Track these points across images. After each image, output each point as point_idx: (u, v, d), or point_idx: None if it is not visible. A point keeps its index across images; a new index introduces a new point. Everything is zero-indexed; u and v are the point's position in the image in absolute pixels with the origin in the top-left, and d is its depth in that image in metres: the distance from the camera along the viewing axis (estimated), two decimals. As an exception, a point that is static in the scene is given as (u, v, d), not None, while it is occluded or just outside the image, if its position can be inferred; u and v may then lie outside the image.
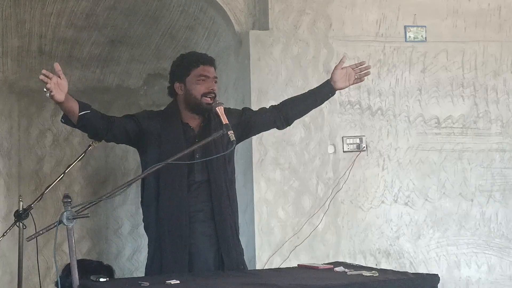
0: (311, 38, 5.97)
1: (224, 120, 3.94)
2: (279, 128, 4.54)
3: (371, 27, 6.14)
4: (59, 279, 3.67)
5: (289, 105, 4.47)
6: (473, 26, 6.32)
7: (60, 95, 3.80)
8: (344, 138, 5.99)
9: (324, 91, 4.47)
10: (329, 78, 4.49)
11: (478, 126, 6.27)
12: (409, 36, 6.20)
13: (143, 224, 4.34)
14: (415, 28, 6.21)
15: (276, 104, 4.54)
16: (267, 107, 4.57)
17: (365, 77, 4.52)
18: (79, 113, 3.99)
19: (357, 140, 6.02)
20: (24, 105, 6.98)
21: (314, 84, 5.86)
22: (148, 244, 4.30)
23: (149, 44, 6.83)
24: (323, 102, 4.56)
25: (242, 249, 4.39)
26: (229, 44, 6.13)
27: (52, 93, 3.75)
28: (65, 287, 3.72)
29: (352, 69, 4.42)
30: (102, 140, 4.31)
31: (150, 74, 7.25)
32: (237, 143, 4.34)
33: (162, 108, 4.49)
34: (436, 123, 6.20)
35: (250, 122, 4.39)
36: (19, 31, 6.33)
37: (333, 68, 5.88)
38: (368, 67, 4.47)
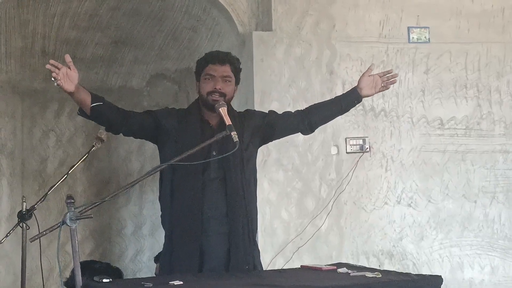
0: (314, 39, 5.97)
1: (227, 121, 3.92)
2: (303, 133, 4.51)
3: (374, 28, 6.14)
4: (61, 276, 3.66)
5: (314, 110, 4.45)
6: (477, 27, 6.32)
7: (69, 85, 3.84)
8: (347, 139, 5.99)
9: (350, 98, 4.42)
10: (355, 85, 4.45)
11: (481, 127, 6.27)
12: (412, 37, 6.20)
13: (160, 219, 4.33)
14: (418, 29, 6.21)
15: (302, 109, 4.52)
16: (292, 111, 4.55)
17: (391, 85, 4.47)
18: (91, 104, 4.01)
19: (360, 141, 6.02)
20: (28, 106, 6.99)
21: (317, 85, 5.88)
22: (164, 239, 4.30)
23: (153, 45, 6.83)
24: (348, 109, 4.49)
25: (257, 251, 4.35)
26: (232, 45, 6.13)
27: (59, 82, 3.77)
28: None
29: (380, 76, 4.40)
30: (119, 133, 4.30)
31: (153, 75, 7.25)
32: (260, 145, 4.37)
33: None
34: (439, 124, 6.20)
35: (274, 125, 4.37)
36: (22, 31, 6.34)
37: (336, 69, 5.92)
38: (395, 75, 4.42)
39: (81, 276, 3.35)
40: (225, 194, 4.15)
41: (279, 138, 4.62)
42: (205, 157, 4.03)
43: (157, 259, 6.29)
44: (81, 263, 3.35)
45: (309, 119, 4.40)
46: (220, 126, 4.09)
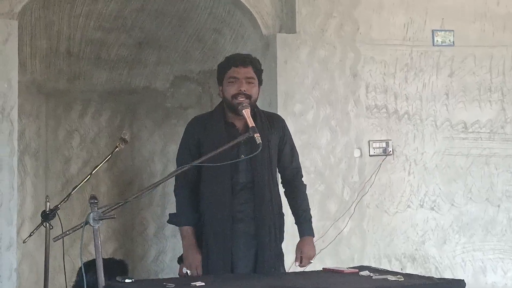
0: (338, 42, 5.97)
1: (251, 123, 3.91)
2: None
3: (398, 31, 6.12)
4: (84, 277, 3.65)
5: (289, 198, 4.48)
6: (501, 31, 6.28)
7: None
8: (370, 142, 5.98)
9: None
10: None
11: (505, 131, 6.24)
12: (437, 40, 6.18)
13: None
14: (442, 32, 6.19)
15: (293, 188, 4.45)
16: (298, 182, 4.48)
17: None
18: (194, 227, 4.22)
19: (384, 144, 6.01)
20: (52, 106, 7.02)
21: (341, 87, 5.89)
22: None
23: (177, 46, 6.85)
24: None
25: (282, 253, 4.36)
26: (256, 47, 6.13)
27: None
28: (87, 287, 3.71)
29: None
30: None
31: (177, 76, 7.26)
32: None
33: (188, 110, 4.47)
34: (463, 127, 6.17)
35: (280, 152, 4.34)
36: (47, 32, 6.37)
37: (359, 71, 5.94)
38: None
39: (85, 275, 3.38)
40: (253, 197, 4.15)
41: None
42: (233, 160, 4.02)
43: (180, 259, 6.30)
44: (85, 263, 3.36)
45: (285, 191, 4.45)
46: (246, 128, 4.03)
